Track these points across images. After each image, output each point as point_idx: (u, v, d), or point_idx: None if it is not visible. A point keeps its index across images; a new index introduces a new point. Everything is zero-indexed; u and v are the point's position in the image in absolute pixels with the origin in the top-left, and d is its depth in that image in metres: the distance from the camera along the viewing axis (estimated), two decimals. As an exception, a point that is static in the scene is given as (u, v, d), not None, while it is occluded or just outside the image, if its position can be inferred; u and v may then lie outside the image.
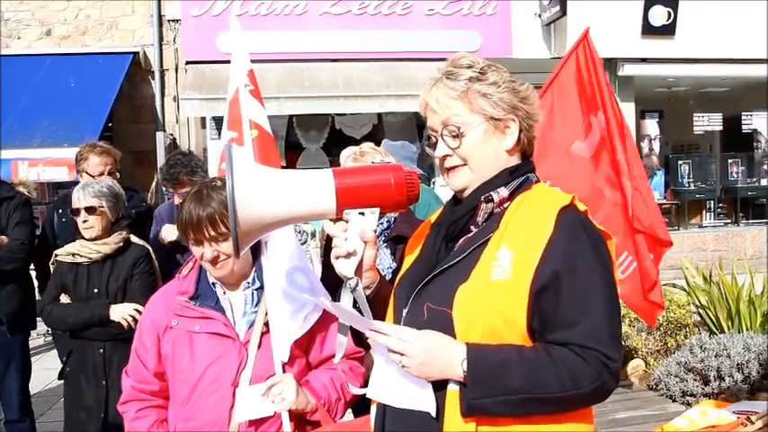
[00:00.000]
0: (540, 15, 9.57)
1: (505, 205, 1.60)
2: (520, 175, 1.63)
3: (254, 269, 2.21)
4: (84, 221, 3.38)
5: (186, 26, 9.12)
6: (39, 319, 4.30)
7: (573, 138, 4.08)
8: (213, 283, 2.20)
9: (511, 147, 1.63)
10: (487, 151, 1.61)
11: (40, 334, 7.07)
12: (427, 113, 1.66)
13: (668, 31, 9.57)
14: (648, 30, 9.54)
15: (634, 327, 5.33)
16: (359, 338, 1.76)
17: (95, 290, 3.40)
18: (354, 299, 1.62)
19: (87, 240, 3.40)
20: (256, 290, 2.19)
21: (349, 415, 3.69)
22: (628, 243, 4.11)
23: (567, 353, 1.46)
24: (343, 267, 1.60)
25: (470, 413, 1.47)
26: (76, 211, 3.39)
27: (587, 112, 4.08)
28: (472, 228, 1.62)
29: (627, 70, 9.74)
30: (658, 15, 9.50)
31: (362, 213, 1.60)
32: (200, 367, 2.09)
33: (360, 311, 1.61)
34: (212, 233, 2.06)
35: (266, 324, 2.12)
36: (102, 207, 3.40)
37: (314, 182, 1.59)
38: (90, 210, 3.38)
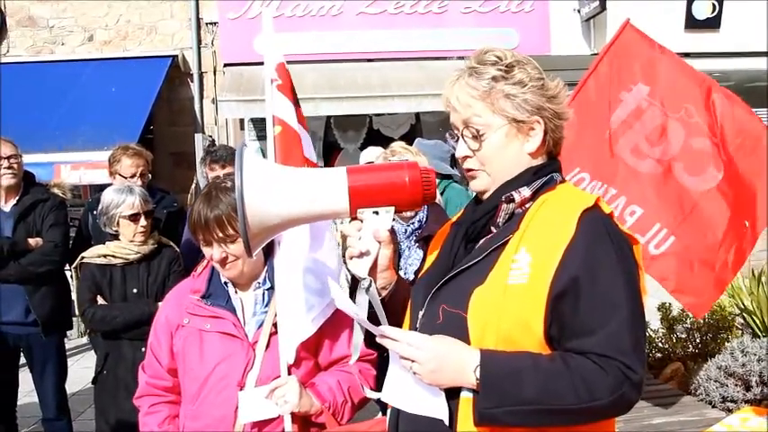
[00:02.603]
0: (578, 11, 9.40)
1: (527, 206, 1.53)
2: (544, 174, 1.56)
3: (265, 269, 2.20)
4: (144, 226, 3.45)
5: (224, 29, 9.23)
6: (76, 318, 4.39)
7: (605, 124, 3.86)
8: (225, 283, 2.20)
9: (534, 149, 1.56)
10: (508, 154, 1.55)
11: (82, 333, 7.22)
12: (449, 110, 1.62)
13: (713, 24, 9.25)
14: (692, 23, 9.23)
15: (673, 329, 5.16)
16: (372, 340, 1.71)
17: (134, 290, 3.43)
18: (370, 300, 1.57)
19: (129, 242, 3.45)
20: (267, 290, 2.18)
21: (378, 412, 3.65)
22: (662, 214, 3.64)
23: (586, 362, 1.38)
24: (357, 267, 1.57)
25: (483, 422, 1.41)
26: (136, 217, 3.42)
27: (618, 90, 3.90)
28: (492, 228, 1.56)
29: (670, 65, 9.47)
30: (702, 8, 9.19)
31: (377, 212, 1.56)
32: (209, 366, 2.10)
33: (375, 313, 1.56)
34: (220, 234, 2.06)
35: (275, 325, 2.10)
36: (153, 210, 3.57)
37: (327, 181, 1.55)
38: (149, 214, 3.49)
